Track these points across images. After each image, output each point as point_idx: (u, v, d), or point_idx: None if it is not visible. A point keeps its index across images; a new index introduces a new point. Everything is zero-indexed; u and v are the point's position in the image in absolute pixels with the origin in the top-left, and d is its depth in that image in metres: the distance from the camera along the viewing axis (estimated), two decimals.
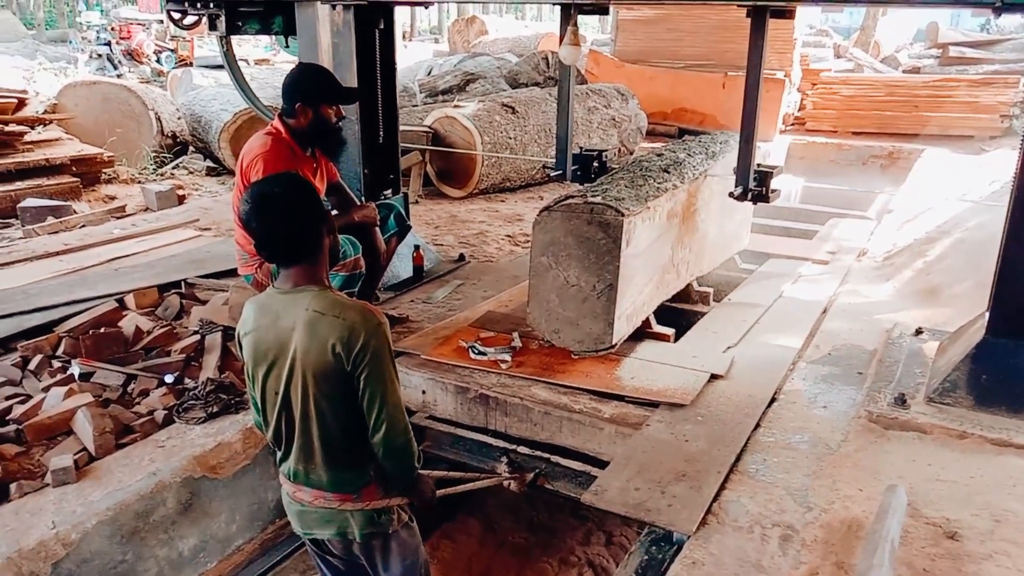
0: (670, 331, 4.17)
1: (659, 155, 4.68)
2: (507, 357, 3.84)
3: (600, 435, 3.38)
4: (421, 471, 2.39)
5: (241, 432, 3.44)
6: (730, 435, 3.19)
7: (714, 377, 3.68)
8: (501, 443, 3.60)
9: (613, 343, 3.74)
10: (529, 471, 3.46)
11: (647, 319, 4.13)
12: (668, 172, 4.25)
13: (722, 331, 4.23)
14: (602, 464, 3.21)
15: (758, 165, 4.17)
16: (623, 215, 3.55)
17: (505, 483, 3.45)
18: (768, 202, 4.26)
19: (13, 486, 3.02)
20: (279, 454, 2.34)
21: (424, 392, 3.82)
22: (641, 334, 4.09)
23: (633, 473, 2.94)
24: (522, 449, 3.55)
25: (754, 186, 4.14)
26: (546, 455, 3.48)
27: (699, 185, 4.49)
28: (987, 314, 3.38)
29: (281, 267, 2.20)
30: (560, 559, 3.96)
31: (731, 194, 4.19)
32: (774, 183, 4.19)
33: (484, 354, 3.87)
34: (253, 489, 3.46)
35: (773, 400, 3.52)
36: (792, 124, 11.70)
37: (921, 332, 4.06)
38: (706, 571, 2.43)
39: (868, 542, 2.44)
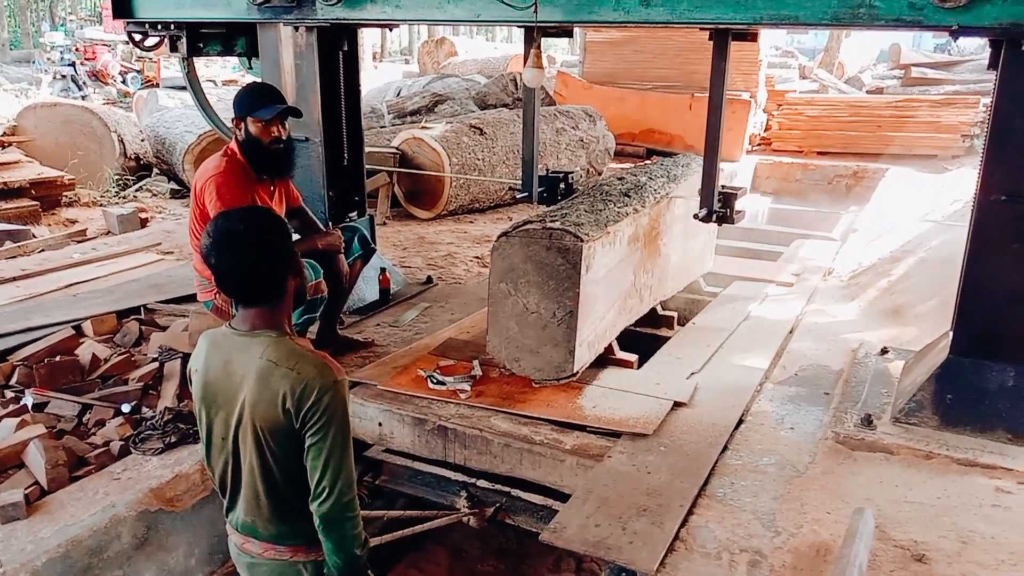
0: (633, 357, 4.09)
1: (620, 179, 4.64)
2: (466, 387, 3.72)
3: (561, 467, 3.28)
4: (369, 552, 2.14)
5: (200, 463, 3.34)
6: (693, 466, 3.11)
7: (678, 404, 3.61)
8: (460, 476, 3.50)
9: (574, 371, 3.65)
10: (489, 506, 3.37)
11: (610, 345, 4.06)
12: (629, 196, 4.21)
13: (686, 356, 4.17)
14: (564, 497, 3.11)
15: (722, 186, 4.18)
16: (582, 240, 3.48)
17: (464, 519, 3.35)
18: (733, 223, 4.27)
19: None
20: (225, 503, 2.17)
21: (380, 424, 3.68)
22: (604, 360, 4.01)
23: (593, 508, 2.84)
24: (482, 483, 3.44)
25: (718, 207, 4.15)
26: (507, 488, 3.38)
27: (661, 209, 4.46)
28: (951, 333, 3.40)
29: (240, 305, 2.04)
30: None
31: (696, 216, 4.19)
32: (738, 204, 4.20)
33: (443, 383, 3.74)
34: (212, 522, 3.35)
35: (740, 422, 3.50)
36: (758, 144, 11.83)
37: (887, 351, 4.08)
38: None
39: (836, 567, 2.41)
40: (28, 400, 3.70)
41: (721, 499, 2.91)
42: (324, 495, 1.96)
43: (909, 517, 2.79)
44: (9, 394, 3.81)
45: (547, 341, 3.65)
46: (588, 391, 3.73)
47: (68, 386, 3.86)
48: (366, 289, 5.04)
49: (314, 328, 4.11)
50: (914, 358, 3.79)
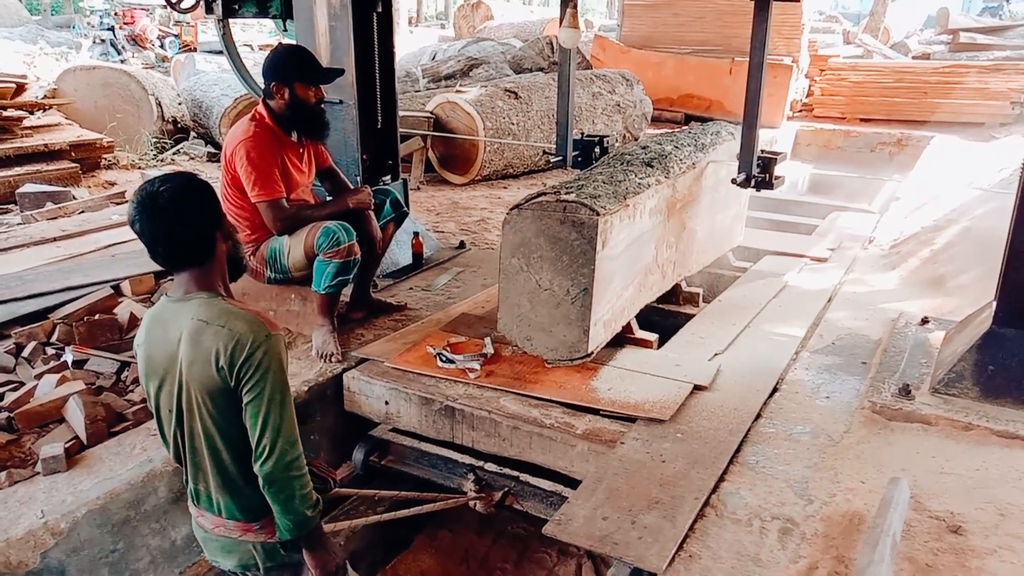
0: (653, 337, 3.94)
1: (644, 147, 4.39)
2: (476, 366, 3.58)
3: (572, 452, 3.14)
4: (325, 525, 2.12)
5: None
6: (711, 455, 2.94)
7: (698, 388, 3.44)
8: (468, 459, 3.41)
9: (589, 351, 3.48)
10: (497, 490, 3.30)
11: (628, 324, 3.88)
12: (652, 166, 3.99)
13: (709, 336, 4.00)
14: (574, 483, 2.98)
15: (762, 151, 4.10)
16: (598, 214, 3.27)
17: (471, 503, 3.29)
18: (772, 188, 4.19)
19: (3, 474, 2.98)
20: (183, 476, 2.16)
21: (387, 403, 3.58)
22: (622, 340, 3.87)
23: (602, 499, 2.69)
24: (490, 466, 3.36)
25: (757, 172, 4.07)
26: (515, 473, 3.29)
27: (687, 179, 4.23)
28: (994, 304, 3.32)
29: (173, 273, 2.03)
30: (559, 549, 3.92)
31: (734, 180, 4.12)
32: (778, 169, 4.11)
33: (452, 362, 3.61)
34: None
35: (775, 390, 3.46)
36: (800, 110, 11.60)
37: (927, 321, 3.99)
38: (703, 564, 2.38)
39: (869, 536, 2.38)
40: (68, 357, 3.77)
41: (753, 466, 2.88)
42: (265, 454, 1.93)
43: (946, 488, 2.74)
44: (50, 351, 3.88)
45: (560, 320, 3.47)
46: (603, 372, 3.57)
47: (107, 344, 3.93)
48: (399, 253, 5.05)
49: (347, 291, 4.13)
50: (955, 329, 3.71)
